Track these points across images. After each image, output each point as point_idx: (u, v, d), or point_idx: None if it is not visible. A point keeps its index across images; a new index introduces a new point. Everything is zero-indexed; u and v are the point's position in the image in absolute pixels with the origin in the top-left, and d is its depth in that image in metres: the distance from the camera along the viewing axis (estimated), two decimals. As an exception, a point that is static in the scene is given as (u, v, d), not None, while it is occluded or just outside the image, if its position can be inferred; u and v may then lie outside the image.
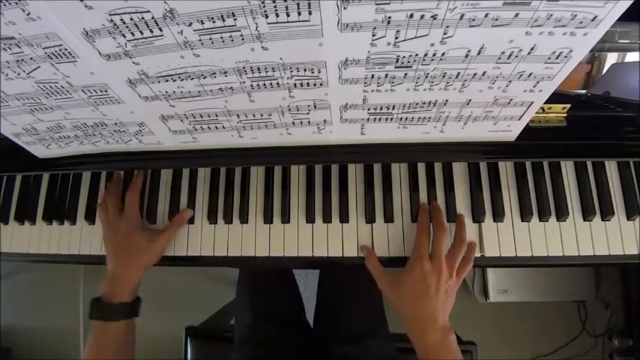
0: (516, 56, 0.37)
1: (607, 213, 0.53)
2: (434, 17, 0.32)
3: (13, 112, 0.48)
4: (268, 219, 0.58)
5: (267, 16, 0.32)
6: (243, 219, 0.58)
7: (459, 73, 0.39)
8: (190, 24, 0.34)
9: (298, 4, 0.31)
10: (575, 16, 0.32)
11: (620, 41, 0.43)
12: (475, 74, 0.39)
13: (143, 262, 0.55)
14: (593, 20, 0.32)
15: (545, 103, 0.44)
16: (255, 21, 0.33)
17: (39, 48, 0.37)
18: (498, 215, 0.54)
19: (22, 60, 0.39)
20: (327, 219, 0.57)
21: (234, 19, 0.33)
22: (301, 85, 0.41)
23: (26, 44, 0.37)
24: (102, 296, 0.53)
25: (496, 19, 0.33)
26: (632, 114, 0.53)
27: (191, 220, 0.59)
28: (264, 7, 0.32)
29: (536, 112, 0.46)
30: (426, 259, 0.49)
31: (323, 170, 0.58)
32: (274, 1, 0.31)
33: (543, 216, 0.54)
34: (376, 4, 0.31)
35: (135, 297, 0.55)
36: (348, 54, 0.37)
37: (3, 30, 0.35)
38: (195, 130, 0.49)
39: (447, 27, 0.33)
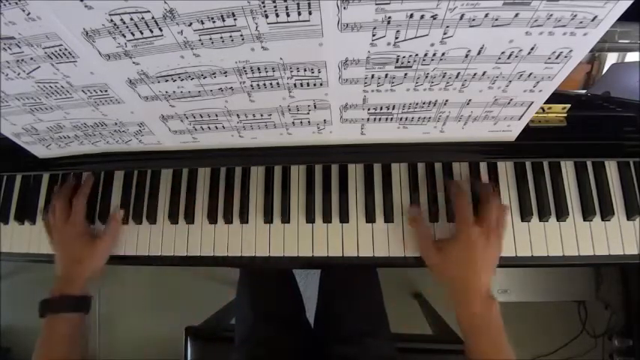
0: (516, 56, 0.37)
1: (607, 213, 0.53)
2: (434, 17, 0.32)
3: (13, 112, 0.48)
4: (268, 219, 0.58)
5: (267, 16, 0.32)
6: (243, 219, 0.58)
7: (459, 73, 0.39)
8: (190, 24, 0.34)
9: (298, 4, 0.31)
10: (575, 16, 0.32)
11: (620, 41, 0.43)
12: (475, 74, 0.39)
13: (86, 268, 0.56)
14: (593, 20, 0.32)
15: (545, 103, 0.44)
16: (255, 21, 0.33)
17: (39, 48, 0.37)
18: (498, 215, 0.54)
19: (22, 60, 0.39)
20: (327, 219, 0.57)
21: (234, 19, 0.33)
22: (301, 85, 0.41)
23: (26, 44, 0.37)
24: (50, 297, 0.54)
25: (496, 19, 0.33)
26: (632, 114, 0.53)
27: (191, 220, 0.59)
28: (264, 7, 0.32)
29: (536, 112, 0.46)
30: (473, 224, 0.48)
31: (323, 170, 0.58)
32: (274, 1, 0.31)
33: (543, 216, 0.54)
34: (376, 4, 0.31)
35: (84, 293, 0.55)
36: (348, 54, 0.37)
37: (3, 30, 0.35)
38: (195, 130, 0.49)
39: (447, 27, 0.33)
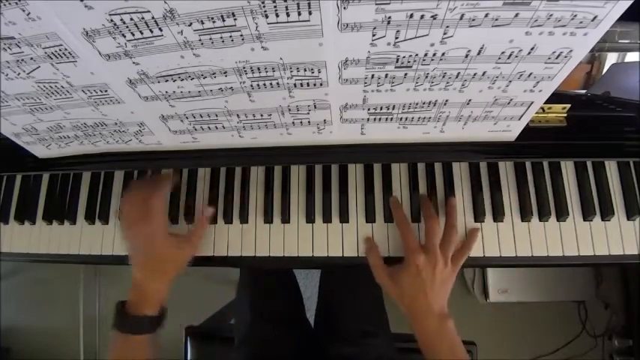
0: (516, 56, 0.37)
1: (607, 213, 0.53)
2: (434, 17, 0.32)
3: (13, 112, 0.48)
4: (268, 219, 0.58)
5: (267, 16, 0.32)
6: (243, 219, 0.58)
7: (459, 73, 0.39)
8: (190, 24, 0.33)
9: (298, 4, 0.31)
10: (575, 16, 0.32)
11: (620, 41, 0.43)
12: (475, 74, 0.39)
13: (171, 273, 0.53)
14: (593, 20, 0.32)
15: (545, 103, 0.44)
16: (255, 21, 0.33)
17: (39, 48, 0.37)
18: (498, 215, 0.54)
19: (22, 60, 0.39)
20: (327, 219, 0.57)
21: (234, 19, 0.33)
22: (301, 85, 0.41)
23: (26, 44, 0.37)
24: (128, 304, 0.51)
25: (496, 19, 0.33)
26: (632, 114, 0.53)
27: (191, 220, 0.59)
28: (264, 7, 0.32)
29: (536, 112, 0.46)
30: (418, 252, 0.50)
31: (323, 170, 0.58)
32: (274, 1, 0.31)
33: (543, 216, 0.54)
34: (376, 4, 0.31)
35: (161, 309, 0.52)
36: (348, 54, 0.37)
37: (3, 30, 0.35)
38: (195, 130, 0.49)
39: (447, 27, 0.33)
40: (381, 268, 0.53)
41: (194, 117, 0.47)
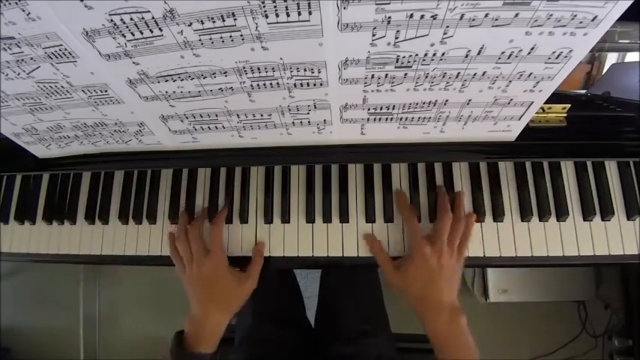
0: (516, 56, 0.37)
1: (607, 213, 0.53)
2: (434, 17, 0.32)
3: (13, 112, 0.48)
4: (268, 219, 0.58)
5: (267, 16, 0.32)
6: (243, 219, 0.58)
7: (459, 73, 0.39)
8: (190, 24, 0.34)
9: (298, 4, 0.31)
10: (575, 16, 0.32)
11: (620, 41, 0.43)
12: (475, 74, 0.39)
13: (233, 308, 0.53)
14: (593, 20, 0.32)
15: (545, 103, 0.44)
16: (255, 21, 0.33)
17: (39, 48, 0.37)
18: (498, 215, 0.54)
19: (22, 60, 0.39)
20: (327, 219, 0.57)
21: (234, 19, 0.33)
22: (301, 85, 0.41)
23: (26, 44, 0.37)
24: (186, 337, 0.51)
25: (496, 19, 0.33)
26: (632, 114, 0.53)
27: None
28: (264, 7, 0.32)
29: (536, 112, 0.46)
30: (423, 242, 0.49)
31: (323, 170, 0.58)
32: (274, 1, 0.31)
33: (543, 216, 0.54)
34: (376, 4, 0.31)
35: (217, 346, 0.52)
36: (348, 54, 0.37)
37: (3, 30, 0.35)
38: (195, 130, 0.49)
39: (447, 27, 0.33)
40: (387, 262, 0.52)
41: (194, 117, 0.47)
